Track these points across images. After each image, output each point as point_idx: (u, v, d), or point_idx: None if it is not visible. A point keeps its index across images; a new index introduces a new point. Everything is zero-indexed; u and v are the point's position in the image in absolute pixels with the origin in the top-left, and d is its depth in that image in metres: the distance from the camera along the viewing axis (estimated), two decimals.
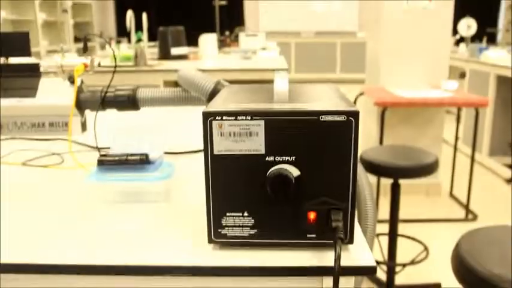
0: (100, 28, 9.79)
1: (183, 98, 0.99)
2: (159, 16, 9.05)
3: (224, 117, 0.60)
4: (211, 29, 6.84)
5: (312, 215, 0.63)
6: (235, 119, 0.60)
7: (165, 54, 4.31)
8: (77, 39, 7.66)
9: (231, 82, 3.11)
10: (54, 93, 0.99)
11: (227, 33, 6.97)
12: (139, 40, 4.38)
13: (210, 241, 0.64)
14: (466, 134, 4.76)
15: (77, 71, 0.96)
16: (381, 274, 2.55)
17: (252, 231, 0.64)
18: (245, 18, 10.22)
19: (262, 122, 0.60)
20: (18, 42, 1.00)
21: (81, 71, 0.97)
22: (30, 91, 0.98)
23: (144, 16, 4.20)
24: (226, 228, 0.64)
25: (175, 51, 4.32)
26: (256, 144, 0.61)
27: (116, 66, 1.02)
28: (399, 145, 2.30)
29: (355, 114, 0.59)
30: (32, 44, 6.45)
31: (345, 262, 0.60)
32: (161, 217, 0.77)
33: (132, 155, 0.83)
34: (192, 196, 0.86)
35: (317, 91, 0.75)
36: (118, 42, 8.24)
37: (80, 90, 0.98)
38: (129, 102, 0.99)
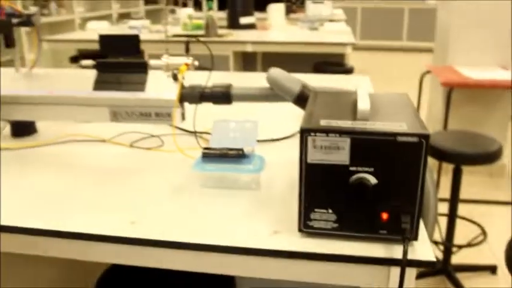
0: None
1: (270, 95, 1.14)
2: None
3: (317, 134, 0.75)
4: None
5: (384, 216, 0.77)
6: (327, 136, 0.75)
7: (233, 23, 4.46)
8: (147, 2, 7.91)
9: (299, 55, 3.25)
10: (160, 88, 1.16)
11: None
12: (209, 9, 4.53)
13: (300, 230, 0.81)
14: None
15: (181, 70, 1.13)
16: (438, 253, 2.67)
17: (334, 225, 0.79)
18: None
19: (348, 139, 0.75)
20: (130, 43, 1.17)
21: (184, 70, 1.14)
22: (140, 85, 1.16)
23: None
24: (314, 221, 0.80)
25: (243, 20, 4.45)
26: (342, 156, 0.76)
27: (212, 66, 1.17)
28: (464, 130, 2.37)
29: (426, 137, 0.73)
30: (104, 7, 6.75)
31: (410, 256, 0.75)
32: (254, 204, 0.94)
33: (230, 149, 0.99)
34: (280, 186, 1.02)
35: (393, 105, 0.88)
36: (184, 5, 8.43)
37: (182, 86, 1.15)
38: (224, 97, 1.15)
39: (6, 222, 0.89)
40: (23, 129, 1.38)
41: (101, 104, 1.18)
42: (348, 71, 3.80)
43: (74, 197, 0.98)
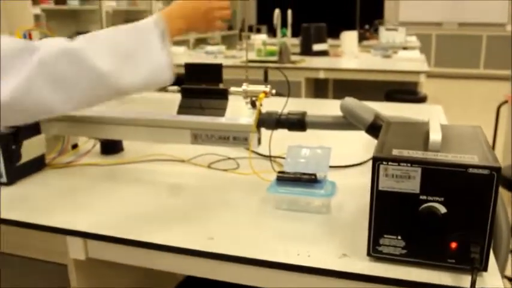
0: (242, 15, 10.30)
1: (343, 124, 1.18)
2: (298, 10, 9.23)
3: (390, 163, 0.79)
4: (351, 22, 6.94)
5: (453, 245, 0.79)
6: (398, 165, 0.79)
7: (306, 50, 4.54)
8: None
9: (371, 82, 3.24)
10: (238, 113, 1.24)
11: (367, 26, 7.03)
12: (283, 35, 4.63)
13: (369, 254, 0.84)
14: None
15: (259, 98, 1.20)
16: None
17: (403, 251, 0.82)
18: (385, 9, 10.09)
19: (419, 169, 0.78)
20: (213, 71, 1.26)
21: (262, 98, 1.21)
22: (221, 111, 1.24)
23: (289, 13, 4.44)
24: (382, 246, 0.83)
25: (316, 47, 4.53)
26: (412, 185, 0.79)
27: (288, 93, 1.23)
28: None
29: (497, 170, 0.75)
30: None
31: (478, 286, 0.76)
32: (324, 227, 0.98)
33: (303, 174, 1.05)
34: (350, 211, 1.06)
35: (465, 137, 0.91)
36: (258, 30, 8.64)
37: (259, 113, 1.22)
38: (299, 124, 1.21)
39: (93, 230, 0.98)
40: (111, 147, 1.50)
41: (183, 127, 1.26)
42: (421, 99, 3.76)
43: (156, 212, 1.06)
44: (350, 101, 1.16)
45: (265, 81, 1.24)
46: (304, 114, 1.21)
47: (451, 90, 8.89)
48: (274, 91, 1.23)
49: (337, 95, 4.43)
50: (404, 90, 3.88)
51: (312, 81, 4.14)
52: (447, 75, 10.28)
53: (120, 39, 0.90)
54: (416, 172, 0.78)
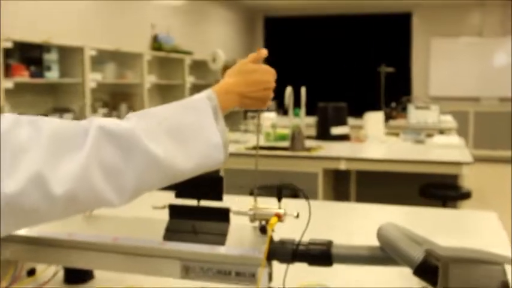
0: None
1: (382, 259, 1.05)
2: (313, 86, 9.35)
3: None
4: (375, 99, 6.98)
5: None
6: None
7: (323, 134, 4.48)
8: None
9: (402, 174, 3.08)
10: (243, 241, 1.11)
11: (393, 104, 7.05)
12: (295, 115, 4.59)
13: None
14: None
15: (271, 224, 1.08)
16: None
17: None
18: (413, 84, 10.23)
19: None
20: (211, 184, 1.16)
21: (275, 223, 1.09)
22: (220, 238, 1.13)
23: (303, 91, 4.43)
24: None
25: (335, 130, 4.47)
26: None
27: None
28: None
29: None
30: None
31: None
32: None
33: None
34: None
35: None
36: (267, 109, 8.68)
37: (271, 242, 1.09)
38: (322, 258, 1.08)
39: None
40: (78, 275, 1.38)
41: (171, 256, 1.16)
42: (464, 195, 3.63)
43: None
44: (391, 230, 1.03)
45: (279, 200, 1.12)
46: (329, 244, 1.09)
47: (495, 177, 8.78)
48: (296, 213, 1.11)
49: (362, 190, 4.31)
50: (443, 185, 3.75)
51: (331, 172, 4.04)
52: (488, 159, 10.19)
53: (173, 119, 0.94)
54: None
